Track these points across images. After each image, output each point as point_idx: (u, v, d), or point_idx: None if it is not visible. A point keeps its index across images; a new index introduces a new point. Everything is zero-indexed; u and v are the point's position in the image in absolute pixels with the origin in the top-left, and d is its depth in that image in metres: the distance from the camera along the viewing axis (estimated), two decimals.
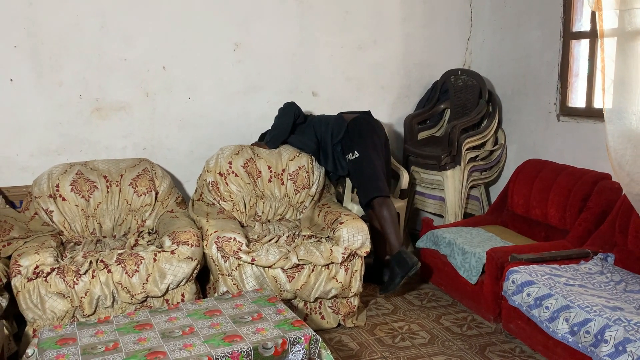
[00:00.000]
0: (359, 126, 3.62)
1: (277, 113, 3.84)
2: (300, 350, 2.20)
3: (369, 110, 3.84)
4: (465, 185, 4.15)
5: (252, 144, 3.79)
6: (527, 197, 3.66)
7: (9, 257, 2.84)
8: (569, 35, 3.73)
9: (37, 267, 2.72)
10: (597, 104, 3.59)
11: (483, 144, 4.23)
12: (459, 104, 4.33)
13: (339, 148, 3.64)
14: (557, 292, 2.64)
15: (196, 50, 3.78)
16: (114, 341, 2.19)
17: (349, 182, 3.84)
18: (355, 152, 3.54)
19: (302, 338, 2.21)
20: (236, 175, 3.55)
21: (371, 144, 3.58)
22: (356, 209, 3.74)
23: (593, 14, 3.53)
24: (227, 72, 3.89)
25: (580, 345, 2.42)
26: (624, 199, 3.08)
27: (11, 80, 3.41)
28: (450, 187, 4.07)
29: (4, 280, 2.71)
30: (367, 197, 3.50)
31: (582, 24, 3.70)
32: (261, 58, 3.96)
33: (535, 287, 2.74)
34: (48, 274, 2.73)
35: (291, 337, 2.20)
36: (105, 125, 3.66)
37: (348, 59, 4.20)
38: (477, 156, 4.20)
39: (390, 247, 3.52)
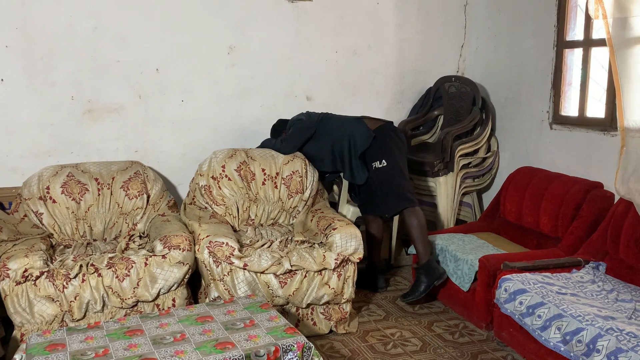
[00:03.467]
0: (386, 136, 3.55)
1: (291, 117, 3.78)
2: (293, 358, 2.18)
3: (392, 122, 3.72)
4: (458, 191, 4.16)
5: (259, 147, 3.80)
6: (520, 205, 3.67)
7: None
8: (562, 44, 3.76)
9: (26, 270, 2.68)
10: (589, 112, 3.61)
11: (476, 151, 4.24)
12: (453, 111, 4.34)
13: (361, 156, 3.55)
14: (549, 301, 2.64)
15: (190, 53, 3.76)
16: (104, 347, 2.16)
17: (345, 184, 3.82)
18: (384, 160, 3.47)
19: (295, 345, 2.19)
20: (229, 179, 3.53)
21: (398, 154, 3.54)
22: (352, 210, 3.73)
23: (587, 24, 3.55)
24: (222, 75, 3.87)
25: (572, 355, 2.43)
26: (616, 208, 3.10)
27: (2, 80, 3.37)
28: (442, 193, 4.07)
29: None
30: (398, 208, 3.49)
31: (575, 33, 3.73)
32: (256, 62, 3.94)
33: (528, 295, 2.75)
34: (37, 277, 2.70)
35: (284, 345, 2.18)
36: (98, 127, 3.63)
37: (343, 64, 4.19)
38: (469, 163, 4.21)
39: (418, 255, 3.50)
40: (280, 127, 3.83)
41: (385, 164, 3.47)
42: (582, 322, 2.44)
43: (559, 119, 3.80)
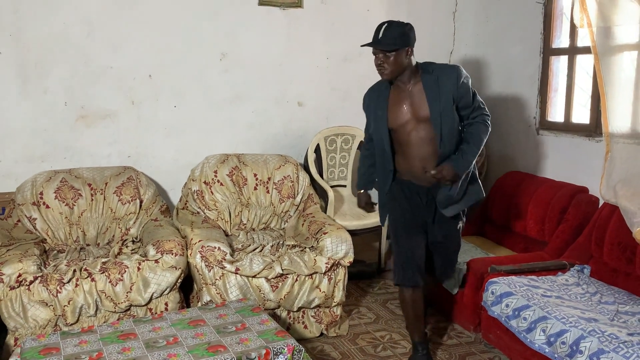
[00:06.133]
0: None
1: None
2: None
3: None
4: None
5: None
6: (507, 209, 3.74)
7: None
8: (548, 51, 3.83)
9: (20, 275, 2.71)
10: (575, 118, 3.68)
11: None
12: None
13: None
14: (534, 304, 2.70)
15: (183, 59, 3.80)
16: (97, 351, 2.20)
17: (331, 195, 3.79)
18: (461, 224, 2.87)
19: (285, 348, 2.24)
20: (221, 184, 3.57)
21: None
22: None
23: (572, 31, 3.63)
24: (214, 81, 3.91)
25: (556, 356, 2.49)
26: (600, 212, 3.18)
27: None
28: None
29: None
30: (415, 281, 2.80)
31: (561, 40, 3.81)
32: (247, 67, 3.99)
33: (514, 298, 2.81)
34: (31, 282, 2.73)
35: (274, 348, 2.23)
36: (90, 132, 3.66)
37: (334, 70, 4.25)
38: None
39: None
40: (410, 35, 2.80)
41: (459, 227, 2.91)
42: (565, 323, 2.50)
43: (545, 125, 3.88)
